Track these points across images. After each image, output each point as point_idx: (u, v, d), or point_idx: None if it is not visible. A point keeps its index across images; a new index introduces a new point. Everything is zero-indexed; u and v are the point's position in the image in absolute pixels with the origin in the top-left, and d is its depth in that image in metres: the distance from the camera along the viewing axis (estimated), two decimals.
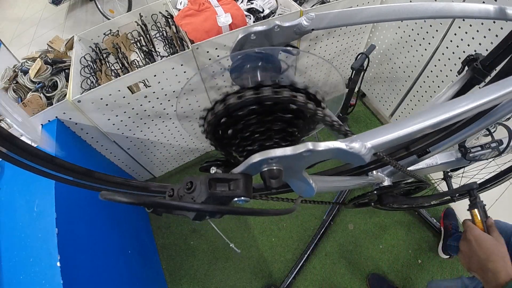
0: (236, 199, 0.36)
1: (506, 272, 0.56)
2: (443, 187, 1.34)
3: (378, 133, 0.35)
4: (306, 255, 1.51)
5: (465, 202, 1.23)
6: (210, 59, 1.29)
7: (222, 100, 0.38)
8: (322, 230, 1.57)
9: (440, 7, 0.49)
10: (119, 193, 0.28)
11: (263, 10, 1.47)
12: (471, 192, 0.79)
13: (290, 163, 0.35)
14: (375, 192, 0.87)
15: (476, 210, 0.74)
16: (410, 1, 1.37)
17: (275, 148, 0.34)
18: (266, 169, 0.36)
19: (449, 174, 1.28)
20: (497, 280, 0.56)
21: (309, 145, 0.32)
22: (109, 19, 2.95)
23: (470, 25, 1.14)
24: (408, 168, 0.81)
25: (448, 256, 1.46)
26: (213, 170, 0.40)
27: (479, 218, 0.72)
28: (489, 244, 0.62)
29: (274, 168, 0.35)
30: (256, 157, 0.34)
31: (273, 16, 1.47)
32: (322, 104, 0.39)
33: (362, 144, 0.33)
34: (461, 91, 0.83)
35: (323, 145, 0.33)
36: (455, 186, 1.23)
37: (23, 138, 1.05)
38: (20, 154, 0.31)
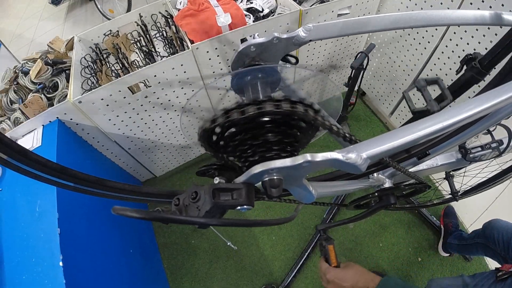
0: (239, 207, 0.37)
1: (372, 281, 0.69)
2: (445, 186, 1.34)
3: (374, 143, 0.36)
4: (306, 253, 1.52)
5: (466, 201, 1.25)
6: (210, 59, 1.29)
7: (226, 113, 0.38)
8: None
9: (436, 15, 0.49)
10: (131, 208, 0.30)
11: (263, 10, 1.47)
12: (323, 229, 0.92)
13: (290, 173, 0.36)
14: (376, 194, 0.87)
15: (332, 246, 0.84)
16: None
17: (275, 160, 0.35)
18: (267, 178, 0.37)
19: (451, 174, 1.28)
20: None
21: (308, 156, 0.33)
22: (109, 18, 2.96)
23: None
24: (409, 170, 0.82)
25: (448, 254, 1.46)
26: (216, 180, 0.41)
27: (334, 252, 0.83)
28: (348, 274, 0.73)
29: (275, 177, 0.36)
30: (257, 168, 0.35)
31: (273, 15, 1.47)
32: (320, 112, 0.40)
33: (358, 155, 0.34)
34: (460, 91, 0.83)
35: (320, 156, 0.34)
36: (457, 185, 1.24)
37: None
38: (20, 160, 0.31)
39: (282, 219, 0.42)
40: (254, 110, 0.35)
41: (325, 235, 0.91)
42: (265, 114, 0.37)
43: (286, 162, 0.34)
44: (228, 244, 1.17)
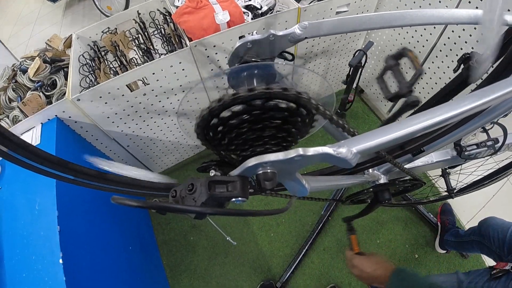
0: (234, 199, 0.38)
1: (387, 270, 0.77)
2: (441, 183, 1.35)
3: (364, 139, 0.37)
4: (304, 250, 1.53)
5: (463, 198, 1.25)
6: (208, 56, 1.29)
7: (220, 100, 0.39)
8: (320, 225, 1.59)
9: (430, 14, 0.50)
10: (129, 198, 0.31)
11: (261, 7, 1.47)
12: (348, 221, 1.02)
13: (283, 166, 0.37)
14: (371, 189, 0.88)
15: (353, 235, 0.97)
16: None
17: (269, 153, 0.36)
18: (261, 172, 0.38)
19: (447, 171, 1.29)
20: (386, 277, 0.76)
21: (300, 151, 0.35)
22: (107, 15, 2.94)
23: None
24: (404, 166, 0.82)
25: (444, 251, 1.48)
26: (212, 172, 0.42)
27: (355, 241, 0.96)
28: (369, 262, 0.83)
29: (269, 171, 0.37)
30: (251, 161, 0.36)
31: (271, 13, 1.46)
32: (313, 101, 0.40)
33: (349, 150, 0.35)
34: (457, 89, 0.84)
35: (312, 150, 0.35)
36: (453, 183, 1.25)
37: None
38: (21, 153, 0.32)
39: (275, 210, 0.43)
40: (262, 89, 0.36)
41: (349, 226, 1.01)
42: (273, 96, 0.38)
43: (279, 155, 0.35)
44: (227, 239, 1.18)
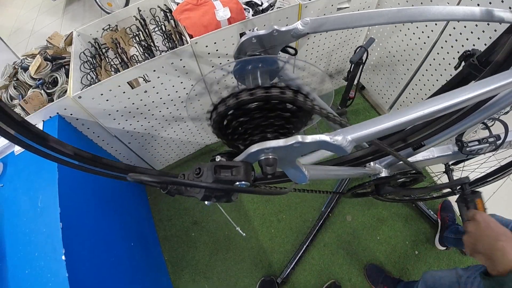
0: (237, 183, 0.41)
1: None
2: (444, 180, 1.35)
3: (360, 127, 0.39)
4: (305, 246, 1.54)
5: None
6: (209, 53, 1.29)
7: (223, 101, 0.43)
8: (321, 222, 1.60)
9: (426, 11, 0.50)
10: (144, 174, 0.34)
11: (262, 3, 1.46)
12: (464, 186, 0.87)
13: (283, 153, 0.40)
14: (372, 182, 0.88)
15: (480, 199, 0.83)
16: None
17: (271, 140, 0.39)
18: (263, 157, 0.41)
19: (450, 167, 1.29)
20: (506, 259, 0.55)
21: (299, 138, 0.37)
22: (107, 12, 2.94)
23: None
24: (403, 157, 0.83)
25: (444, 248, 1.48)
26: (218, 158, 0.45)
27: (482, 205, 0.82)
28: (498, 226, 0.63)
29: (270, 157, 0.40)
30: (254, 147, 0.39)
31: (272, 9, 1.46)
32: (310, 96, 0.43)
33: (344, 137, 0.38)
34: (458, 86, 0.84)
35: (310, 138, 0.37)
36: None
37: None
38: (31, 138, 0.33)
39: (275, 190, 0.47)
40: (247, 96, 0.40)
41: (469, 189, 0.88)
42: (273, 99, 0.40)
43: (280, 142, 0.38)
44: (237, 229, 1.20)
